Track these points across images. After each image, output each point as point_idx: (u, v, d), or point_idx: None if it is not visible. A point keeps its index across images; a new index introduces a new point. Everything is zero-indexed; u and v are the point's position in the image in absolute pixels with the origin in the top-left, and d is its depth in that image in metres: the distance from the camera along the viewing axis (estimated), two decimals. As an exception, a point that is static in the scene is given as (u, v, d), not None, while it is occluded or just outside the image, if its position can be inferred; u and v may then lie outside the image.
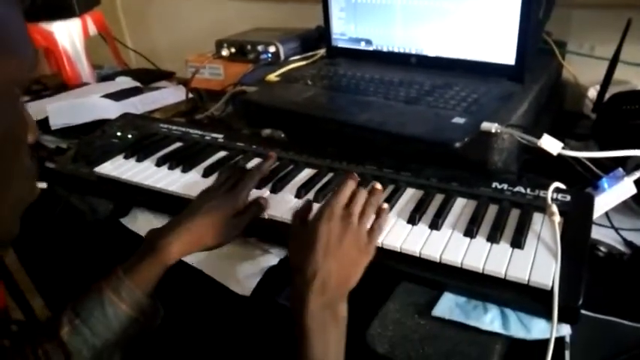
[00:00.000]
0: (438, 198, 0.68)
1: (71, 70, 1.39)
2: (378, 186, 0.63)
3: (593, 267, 0.63)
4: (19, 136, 0.40)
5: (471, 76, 0.84)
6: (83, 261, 0.87)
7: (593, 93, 0.97)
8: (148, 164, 0.83)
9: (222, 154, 0.84)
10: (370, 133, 0.73)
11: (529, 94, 0.79)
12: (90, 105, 1.14)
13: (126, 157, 0.86)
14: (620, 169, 0.66)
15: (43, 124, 1.09)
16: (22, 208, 0.42)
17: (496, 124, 0.67)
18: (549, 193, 0.64)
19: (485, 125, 0.67)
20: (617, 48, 0.82)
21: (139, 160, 0.84)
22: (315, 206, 0.63)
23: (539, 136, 0.66)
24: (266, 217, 0.68)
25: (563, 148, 0.64)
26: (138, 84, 1.31)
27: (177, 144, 0.89)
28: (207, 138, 0.88)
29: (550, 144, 0.64)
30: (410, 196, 0.69)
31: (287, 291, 0.64)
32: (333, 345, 0.52)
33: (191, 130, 0.91)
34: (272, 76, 0.95)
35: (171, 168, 0.81)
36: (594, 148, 0.83)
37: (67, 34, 1.36)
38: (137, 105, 1.16)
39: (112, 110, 1.10)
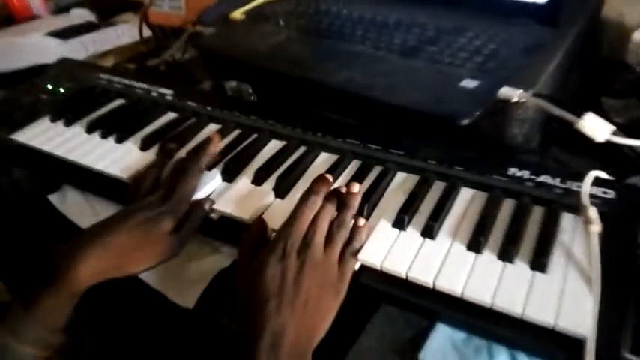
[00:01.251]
0: (437, 188, 0.51)
1: (19, 1, 1.19)
2: (355, 188, 0.48)
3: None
4: None
5: (490, 17, 0.64)
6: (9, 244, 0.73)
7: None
8: (78, 130, 0.67)
9: (169, 116, 0.68)
10: (351, 98, 0.55)
11: (563, 44, 0.60)
12: (30, 46, 0.95)
13: (53, 120, 0.69)
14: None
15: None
16: None
17: (520, 91, 0.50)
18: (586, 187, 0.47)
19: (505, 92, 0.50)
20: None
21: (68, 123, 0.68)
22: (277, 209, 0.48)
23: (569, 103, 0.48)
24: (215, 217, 0.52)
25: (613, 133, 0.46)
26: (93, 19, 1.11)
27: (118, 101, 0.72)
28: (154, 94, 0.71)
29: (595, 127, 0.46)
30: (399, 184, 0.53)
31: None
32: None
33: (136, 84, 0.73)
34: (237, 13, 0.75)
35: (103, 136, 0.64)
36: (636, 110, 0.66)
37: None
38: (87, 45, 0.97)
39: (55, 52, 0.92)
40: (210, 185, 0.54)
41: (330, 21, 0.70)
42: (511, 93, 0.50)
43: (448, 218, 0.48)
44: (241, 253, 0.45)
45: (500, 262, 0.44)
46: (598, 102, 0.68)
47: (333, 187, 0.49)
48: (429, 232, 0.46)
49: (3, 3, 1.23)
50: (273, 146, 0.59)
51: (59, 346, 0.44)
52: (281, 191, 0.52)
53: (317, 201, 0.46)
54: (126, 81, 0.74)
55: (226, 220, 0.52)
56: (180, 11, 0.91)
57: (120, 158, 0.60)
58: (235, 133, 0.62)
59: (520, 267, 0.43)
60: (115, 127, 0.64)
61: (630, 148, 0.48)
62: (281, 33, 0.68)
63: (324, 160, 0.57)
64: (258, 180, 0.54)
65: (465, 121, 0.47)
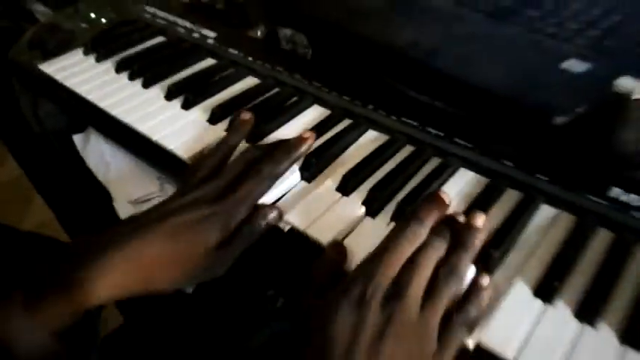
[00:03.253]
0: (508, 198, 0.39)
1: None
2: (479, 221, 0.34)
3: None
4: None
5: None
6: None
7: None
8: (107, 67, 0.60)
9: (205, 63, 0.59)
10: (417, 68, 0.43)
11: None
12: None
13: (85, 53, 0.62)
14: None
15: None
16: None
17: (634, 81, 0.35)
18: None
19: (625, 83, 0.36)
20: None
21: (99, 59, 0.61)
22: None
23: None
24: (285, 228, 0.40)
25: None
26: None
27: (157, 39, 0.64)
28: (196, 35, 0.62)
29: None
30: (462, 185, 0.41)
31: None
32: None
33: (180, 21, 0.65)
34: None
35: (131, 78, 0.57)
36: None
37: None
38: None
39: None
40: (285, 183, 0.42)
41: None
42: (633, 85, 0.35)
43: (519, 243, 0.36)
44: (310, 288, 0.34)
45: (576, 323, 0.32)
46: None
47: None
48: (488, 263, 0.35)
49: None
50: (372, 138, 0.47)
51: (55, 353, 0.34)
52: (375, 207, 0.40)
53: (422, 232, 0.33)
54: (170, 17, 0.66)
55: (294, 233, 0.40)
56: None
57: (142, 104, 0.53)
58: (274, 91, 0.53)
59: (605, 335, 0.31)
60: (144, 69, 0.57)
61: None
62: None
63: (370, 139, 0.46)
64: (345, 188, 0.41)
65: (563, 119, 0.34)
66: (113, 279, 0.34)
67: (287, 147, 0.42)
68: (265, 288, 0.44)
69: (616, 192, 0.37)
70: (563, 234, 0.37)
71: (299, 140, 0.43)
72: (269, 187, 0.40)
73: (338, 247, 0.36)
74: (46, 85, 0.61)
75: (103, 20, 0.68)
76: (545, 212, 0.38)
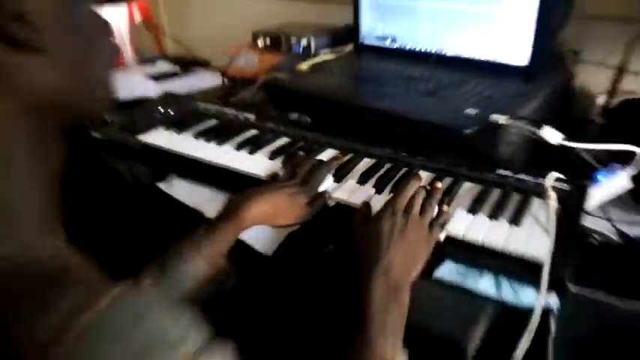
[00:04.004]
0: (447, 181, 0.75)
1: (115, 52, 1.49)
2: (438, 185, 0.69)
3: (588, 253, 0.69)
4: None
5: (487, 75, 0.91)
6: (127, 220, 0.95)
7: (602, 100, 1.03)
8: (187, 136, 0.92)
9: (253, 132, 0.93)
10: (389, 118, 0.80)
11: (540, 95, 0.85)
12: (134, 83, 1.23)
13: (167, 129, 0.94)
14: (617, 164, 0.73)
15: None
16: (105, 90, 0.46)
17: (505, 117, 0.74)
18: (548, 181, 0.70)
19: (494, 116, 0.74)
20: (623, 58, 0.89)
21: (179, 132, 0.93)
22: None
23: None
24: (331, 204, 0.73)
25: (563, 139, 0.71)
26: (177, 68, 1.40)
27: (214, 121, 0.98)
28: (240, 117, 0.96)
29: (551, 135, 0.70)
30: (424, 176, 0.76)
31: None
32: (392, 328, 0.54)
33: (226, 110, 0.99)
34: (303, 66, 1.03)
35: (208, 140, 0.89)
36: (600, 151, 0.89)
37: (114, 19, 1.46)
38: (176, 87, 1.25)
39: (152, 89, 1.20)
40: (325, 184, 0.76)
41: (372, 73, 0.97)
42: (499, 117, 0.74)
43: (455, 198, 0.71)
44: (357, 215, 0.66)
45: (489, 220, 0.66)
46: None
47: None
48: (441, 202, 0.69)
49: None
50: (368, 161, 0.82)
51: (221, 268, 0.63)
52: (380, 188, 0.74)
53: (416, 185, 0.67)
54: (218, 108, 1.01)
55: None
56: (254, 66, 1.18)
57: (221, 154, 0.85)
58: (300, 144, 0.87)
59: (503, 223, 0.66)
60: (216, 135, 0.90)
61: (578, 155, 0.72)
62: (336, 79, 0.95)
63: (367, 162, 0.81)
64: (362, 182, 0.76)
65: (467, 131, 0.71)
66: (259, 211, 0.66)
67: (329, 162, 0.77)
68: (322, 245, 0.74)
69: (500, 171, 0.74)
70: (477, 192, 0.72)
71: (335, 157, 0.78)
72: (324, 178, 0.74)
73: (366, 204, 0.70)
74: (141, 150, 0.91)
75: (170, 112, 1.01)
76: (466, 185, 0.74)
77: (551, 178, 0.70)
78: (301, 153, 0.81)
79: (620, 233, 0.73)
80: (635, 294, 0.63)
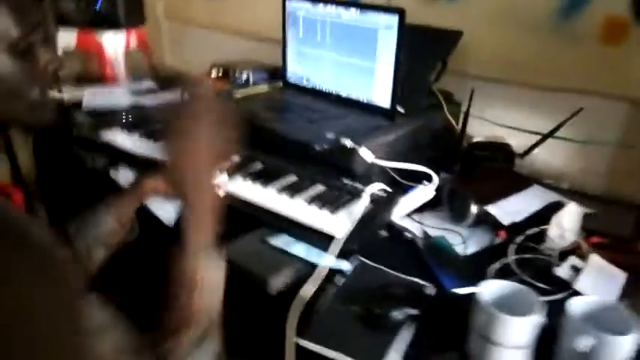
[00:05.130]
0: (305, 185, 1.03)
1: (111, 73, 1.83)
2: None
3: (400, 244, 0.96)
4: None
5: (364, 112, 1.20)
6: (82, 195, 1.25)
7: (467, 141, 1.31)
8: (134, 135, 1.23)
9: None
10: (277, 136, 1.10)
11: (398, 130, 1.14)
12: (115, 94, 1.56)
13: (122, 130, 1.25)
14: (425, 182, 1.01)
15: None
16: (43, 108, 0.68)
17: (349, 140, 1.02)
18: (370, 188, 0.98)
19: (343, 140, 1.03)
20: (467, 108, 1.18)
21: (129, 132, 1.24)
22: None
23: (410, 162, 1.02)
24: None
25: (376, 158, 0.99)
26: (155, 87, 1.73)
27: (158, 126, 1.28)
28: (180, 127, 1.27)
29: (366, 155, 0.98)
30: (291, 179, 1.05)
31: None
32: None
33: (172, 121, 1.30)
34: (237, 94, 1.33)
35: (146, 138, 1.20)
36: (455, 180, 1.17)
37: (113, 44, 1.80)
38: (147, 100, 1.56)
39: (129, 100, 1.51)
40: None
41: (283, 104, 1.27)
42: (346, 141, 1.03)
43: (304, 193, 0.99)
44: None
45: (320, 210, 0.94)
46: (438, 174, 1.18)
47: None
48: (291, 194, 0.97)
49: (97, 74, 1.88)
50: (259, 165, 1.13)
51: (126, 224, 0.90)
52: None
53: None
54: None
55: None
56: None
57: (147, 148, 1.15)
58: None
59: (324, 212, 0.93)
60: (149, 135, 1.20)
61: (399, 171, 1.00)
62: (254, 106, 1.25)
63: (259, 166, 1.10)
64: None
65: (317, 147, 1.00)
66: (149, 186, 0.93)
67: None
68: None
69: (343, 180, 1.02)
70: (321, 191, 1.00)
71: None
72: None
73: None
74: (101, 144, 1.22)
75: (130, 117, 1.32)
76: (318, 186, 1.02)
77: (374, 187, 0.98)
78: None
79: (424, 233, 1.00)
80: (408, 272, 0.89)
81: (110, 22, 1.77)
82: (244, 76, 1.43)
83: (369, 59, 1.17)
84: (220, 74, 1.49)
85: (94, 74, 1.93)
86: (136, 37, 1.89)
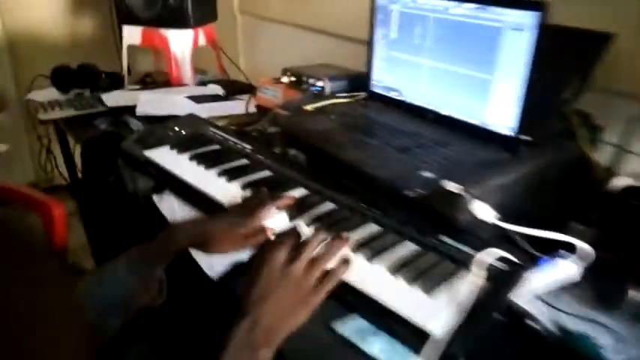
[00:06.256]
0: (391, 238, 0.76)
1: (176, 72, 1.65)
2: (345, 235, 0.66)
3: (516, 335, 0.67)
4: None
5: (471, 138, 0.90)
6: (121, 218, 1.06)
7: (616, 182, 0.96)
8: (185, 157, 1.01)
9: (243, 161, 0.99)
10: (354, 169, 0.83)
11: (520, 168, 0.83)
12: (173, 102, 1.37)
13: (171, 148, 1.04)
14: (563, 252, 0.69)
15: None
16: None
17: (457, 185, 0.74)
18: (484, 256, 0.68)
19: (445, 183, 0.74)
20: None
21: (180, 152, 1.02)
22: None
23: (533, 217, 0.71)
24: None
25: (498, 219, 0.69)
26: (221, 93, 1.52)
27: (215, 146, 1.06)
28: (239, 146, 1.04)
29: (482, 211, 0.69)
30: (369, 230, 0.78)
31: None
32: None
33: (230, 138, 1.07)
34: (309, 107, 1.08)
35: (198, 164, 0.98)
36: (593, 235, 0.84)
37: (179, 42, 1.62)
38: (209, 110, 1.36)
39: (187, 109, 1.31)
40: (277, 220, 0.77)
41: (364, 121, 0.99)
42: (449, 185, 0.74)
43: (387, 254, 0.72)
44: (261, 250, 0.65)
45: (407, 286, 0.66)
46: (567, 226, 0.86)
47: None
48: (370, 258, 0.70)
49: (165, 72, 1.72)
50: (300, 192, 0.87)
51: (151, 285, 0.69)
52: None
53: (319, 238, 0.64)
54: (225, 135, 1.09)
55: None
56: (278, 99, 1.26)
57: (204, 177, 0.93)
58: (278, 179, 0.92)
59: (415, 290, 0.65)
60: (206, 160, 0.98)
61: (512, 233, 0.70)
62: (329, 124, 0.99)
63: (328, 206, 0.84)
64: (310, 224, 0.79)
65: (410, 193, 0.72)
66: (185, 235, 0.71)
67: (278, 199, 0.81)
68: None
69: (442, 237, 0.73)
70: (411, 253, 0.72)
71: (286, 198, 0.81)
72: (268, 213, 0.78)
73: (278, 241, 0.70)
74: (145, 163, 1.01)
75: (183, 132, 1.11)
76: (407, 244, 0.74)
77: (490, 254, 0.69)
78: (264, 188, 0.85)
79: (559, 326, 0.69)
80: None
81: (178, 19, 1.59)
82: (319, 84, 1.18)
83: (484, 69, 0.87)
84: (292, 80, 1.25)
85: (161, 75, 1.77)
86: (204, 34, 1.70)
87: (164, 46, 1.62)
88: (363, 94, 1.15)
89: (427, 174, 0.77)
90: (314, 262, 0.62)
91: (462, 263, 0.70)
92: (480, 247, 0.71)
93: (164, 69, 1.76)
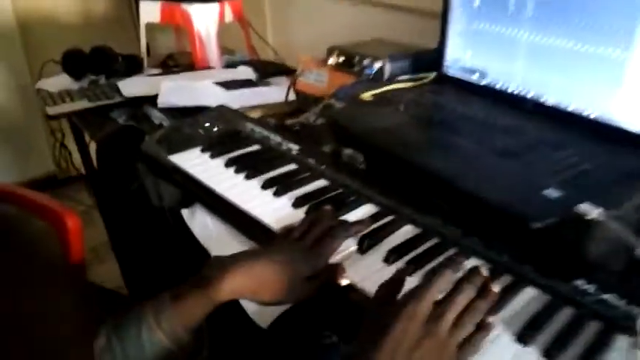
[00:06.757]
0: (504, 281, 0.56)
1: (201, 52, 1.46)
2: (494, 289, 0.48)
3: None
4: None
5: (596, 139, 0.68)
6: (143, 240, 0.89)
7: None
8: (218, 162, 0.82)
9: (291, 166, 0.80)
10: (441, 183, 0.62)
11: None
12: (200, 90, 1.17)
13: (202, 151, 0.85)
14: None
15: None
16: None
17: (599, 210, 0.53)
18: (647, 317, 0.48)
19: (583, 208, 0.54)
20: None
21: (212, 156, 0.83)
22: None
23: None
24: (344, 283, 0.57)
25: None
26: (253, 77, 1.32)
27: (255, 147, 0.87)
28: (284, 147, 0.84)
29: None
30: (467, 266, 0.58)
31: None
32: None
33: (272, 135, 0.88)
34: (367, 95, 0.88)
35: (237, 171, 0.79)
36: None
37: (203, 18, 1.42)
38: (243, 98, 1.16)
39: (217, 98, 1.12)
40: (346, 253, 0.60)
41: (444, 114, 0.79)
42: (589, 210, 0.53)
43: (507, 309, 0.52)
44: (377, 295, 0.50)
45: (509, 339, 0.47)
46: None
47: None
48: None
49: (189, 53, 1.52)
50: (366, 210, 0.68)
51: (185, 344, 0.52)
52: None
53: (455, 277, 0.48)
54: (265, 132, 0.89)
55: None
56: (323, 84, 1.06)
57: (244, 191, 0.74)
58: (339, 190, 0.72)
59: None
60: (246, 167, 0.78)
61: None
62: (398, 117, 0.79)
63: (408, 231, 0.64)
64: (388, 259, 0.59)
65: (537, 225, 0.52)
66: (235, 284, 0.53)
67: (354, 223, 0.62)
68: (323, 329, 0.60)
69: (578, 282, 0.53)
70: (540, 305, 0.52)
71: (361, 221, 0.62)
72: (338, 247, 0.59)
73: (387, 288, 0.51)
74: (171, 170, 0.83)
75: (215, 129, 0.92)
76: (528, 292, 0.54)
77: (655, 310, 0.49)
78: (328, 207, 0.66)
79: None
80: None
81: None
82: (376, 65, 0.96)
83: (615, 43, 0.65)
84: (341, 61, 1.04)
85: (183, 56, 1.57)
86: (231, 8, 1.49)
87: (186, 23, 1.42)
88: (430, 76, 0.94)
89: (553, 192, 0.57)
90: (459, 320, 0.46)
91: (612, 321, 0.50)
92: (631, 296, 0.51)
93: (187, 49, 1.57)
